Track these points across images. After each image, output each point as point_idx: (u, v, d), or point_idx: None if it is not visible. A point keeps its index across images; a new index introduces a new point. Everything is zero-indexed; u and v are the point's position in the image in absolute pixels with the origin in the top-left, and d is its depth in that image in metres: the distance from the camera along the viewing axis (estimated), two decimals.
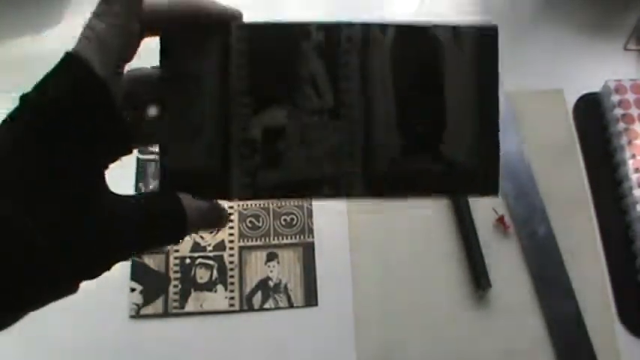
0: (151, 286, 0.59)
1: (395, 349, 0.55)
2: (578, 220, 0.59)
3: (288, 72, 0.29)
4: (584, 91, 0.65)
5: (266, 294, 0.58)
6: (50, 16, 0.73)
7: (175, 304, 0.58)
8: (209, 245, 0.60)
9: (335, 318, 0.57)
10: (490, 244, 0.58)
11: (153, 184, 0.63)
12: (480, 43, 0.29)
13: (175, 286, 0.59)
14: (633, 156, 0.58)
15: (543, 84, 0.65)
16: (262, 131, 0.29)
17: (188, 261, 0.60)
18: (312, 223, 0.61)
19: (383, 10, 0.72)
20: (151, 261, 0.59)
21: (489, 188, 0.29)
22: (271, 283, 0.58)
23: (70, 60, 0.26)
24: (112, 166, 0.54)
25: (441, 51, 0.29)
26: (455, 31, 0.29)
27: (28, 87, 0.73)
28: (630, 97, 0.61)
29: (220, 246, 0.60)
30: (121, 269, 0.59)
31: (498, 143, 0.29)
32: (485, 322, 0.56)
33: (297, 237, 0.60)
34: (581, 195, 0.60)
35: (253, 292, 0.58)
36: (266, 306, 0.58)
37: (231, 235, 0.61)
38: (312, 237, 0.60)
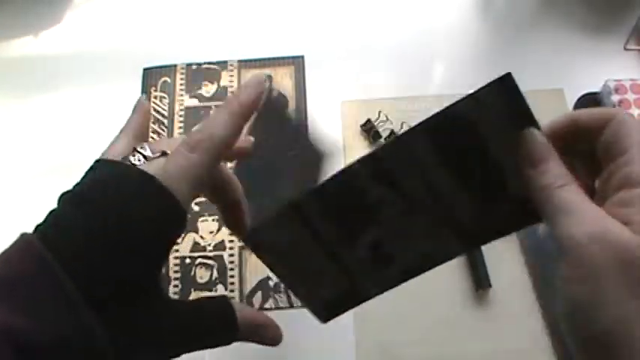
0: None
1: (395, 349, 0.55)
2: None
3: (361, 206, 0.34)
4: (584, 91, 0.65)
5: (266, 294, 0.58)
6: (50, 16, 0.73)
7: None
8: (209, 245, 0.60)
9: (335, 318, 0.57)
10: (490, 244, 0.57)
11: None
12: (498, 91, 0.31)
13: (175, 286, 0.59)
14: None
15: (543, 84, 0.65)
16: (368, 248, 0.34)
17: (188, 261, 0.60)
18: None
19: (383, 10, 0.72)
20: None
21: None
22: (271, 283, 0.58)
23: (156, 189, 0.28)
24: None
25: (473, 125, 0.32)
26: (475, 99, 0.31)
27: (28, 87, 0.73)
28: (630, 97, 0.61)
29: (220, 246, 0.60)
30: None
31: None
32: (485, 322, 0.56)
33: None
34: None
35: (253, 291, 0.58)
36: (266, 306, 0.58)
37: (231, 234, 0.61)
38: None
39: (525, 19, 0.71)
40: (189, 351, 0.30)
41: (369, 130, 0.63)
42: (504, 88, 0.31)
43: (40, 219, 0.30)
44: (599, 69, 0.65)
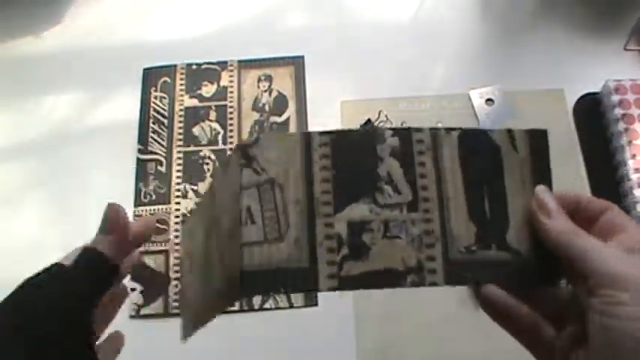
0: (151, 286, 0.59)
1: (395, 349, 0.55)
2: None
3: (367, 172, 0.32)
4: (584, 91, 0.65)
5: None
6: (50, 16, 0.73)
7: (175, 304, 0.58)
8: None
9: (335, 318, 0.57)
10: None
11: (152, 184, 0.63)
12: (532, 143, 0.34)
13: (175, 286, 0.59)
14: (633, 156, 0.58)
15: (543, 84, 0.65)
16: (347, 226, 0.31)
17: None
18: None
19: (383, 10, 0.72)
20: (152, 261, 0.60)
21: (553, 279, 0.32)
22: None
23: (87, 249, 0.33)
24: (113, 166, 0.54)
25: (498, 152, 0.33)
26: (509, 133, 0.33)
27: (28, 87, 0.73)
28: (630, 97, 0.61)
29: None
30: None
31: None
32: (485, 321, 0.56)
33: None
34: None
35: None
36: (266, 306, 0.58)
37: None
38: None
39: (525, 19, 0.71)
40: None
41: None
42: (537, 139, 0.34)
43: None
44: (599, 69, 0.65)
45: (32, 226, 0.62)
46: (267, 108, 0.67)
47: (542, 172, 0.33)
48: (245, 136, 0.65)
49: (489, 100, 0.65)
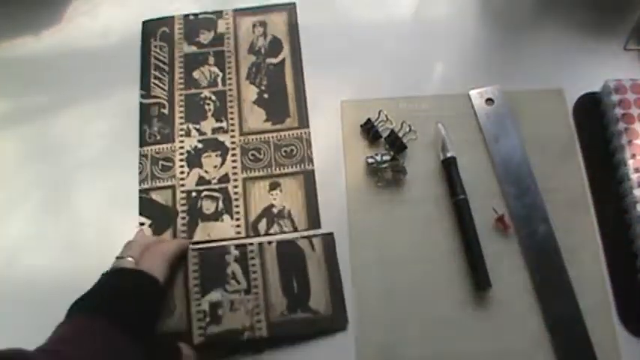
0: (159, 219, 0.61)
1: (395, 349, 0.55)
2: (578, 220, 0.59)
3: (220, 271, 0.56)
4: (584, 91, 0.65)
5: (270, 220, 0.60)
6: (50, 16, 0.73)
7: (183, 235, 0.60)
8: (214, 179, 0.62)
9: None
10: (490, 244, 0.57)
11: (156, 126, 0.66)
12: (324, 244, 0.58)
13: (183, 218, 0.61)
14: (633, 156, 0.58)
15: (543, 84, 0.65)
16: (209, 305, 0.55)
17: (194, 194, 0.62)
18: (311, 153, 0.63)
19: (383, 10, 0.72)
20: (159, 196, 0.62)
21: (341, 325, 0.55)
22: (275, 210, 0.61)
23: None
24: (114, 165, 0.53)
25: (303, 253, 0.57)
26: (309, 240, 0.58)
27: (28, 87, 0.73)
28: (630, 96, 0.61)
29: (224, 178, 0.62)
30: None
31: (343, 297, 0.56)
32: (485, 322, 0.56)
33: (298, 166, 0.63)
34: (581, 195, 0.60)
35: (258, 219, 0.60)
36: (271, 231, 0.60)
37: (234, 167, 0.63)
38: (312, 165, 0.63)
39: (525, 19, 0.71)
40: None
41: (369, 130, 0.63)
42: (328, 241, 0.58)
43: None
44: (599, 69, 0.65)
45: (33, 207, 0.62)
46: (262, 51, 0.69)
47: (331, 260, 0.57)
48: (243, 77, 0.68)
49: (489, 100, 0.65)
